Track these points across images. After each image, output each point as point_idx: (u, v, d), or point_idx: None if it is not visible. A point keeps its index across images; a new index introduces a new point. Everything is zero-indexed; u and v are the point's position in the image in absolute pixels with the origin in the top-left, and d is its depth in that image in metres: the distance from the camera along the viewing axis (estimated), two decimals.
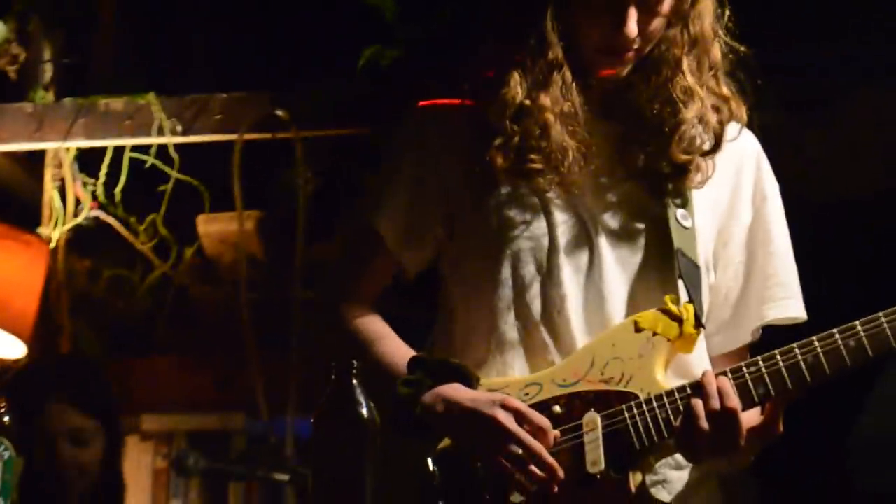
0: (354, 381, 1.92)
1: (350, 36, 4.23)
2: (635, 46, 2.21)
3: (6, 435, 2.19)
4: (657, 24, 2.22)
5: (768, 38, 2.42)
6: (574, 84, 2.23)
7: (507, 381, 2.21)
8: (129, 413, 4.22)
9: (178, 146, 4.30)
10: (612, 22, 2.18)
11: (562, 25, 2.22)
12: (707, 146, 2.27)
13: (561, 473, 2.08)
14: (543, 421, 2.11)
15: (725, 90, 2.29)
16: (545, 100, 2.21)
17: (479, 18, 2.42)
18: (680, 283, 2.24)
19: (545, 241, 2.24)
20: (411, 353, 2.26)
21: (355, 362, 1.93)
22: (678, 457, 2.18)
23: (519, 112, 2.22)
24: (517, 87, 2.22)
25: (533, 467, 2.08)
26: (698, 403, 2.08)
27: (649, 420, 2.11)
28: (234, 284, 4.40)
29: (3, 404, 2.21)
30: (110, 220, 4.47)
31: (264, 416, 4.16)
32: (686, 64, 2.24)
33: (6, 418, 2.21)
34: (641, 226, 2.28)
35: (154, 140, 4.28)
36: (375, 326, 2.34)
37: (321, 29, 4.42)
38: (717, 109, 2.27)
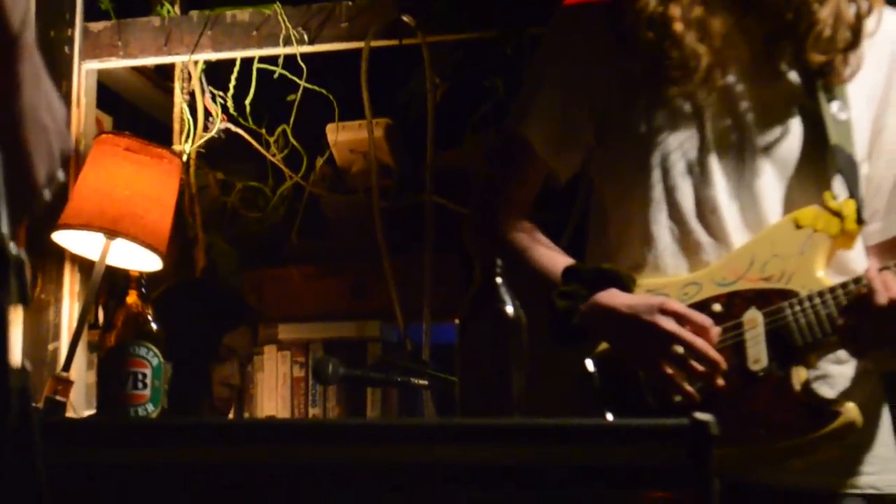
0: (499, 280, 1.90)
1: None
2: None
3: (154, 342, 2.20)
4: None
5: None
6: None
7: (666, 282, 2.19)
8: (266, 323, 4.25)
9: (305, 56, 4.27)
10: None
11: None
12: (845, 43, 2.20)
13: (724, 365, 2.07)
14: (705, 319, 2.09)
15: None
16: (674, 9, 2.18)
17: None
18: (838, 178, 2.19)
19: (696, 142, 2.22)
20: (566, 261, 2.24)
21: (499, 261, 1.91)
22: (840, 352, 2.15)
23: (650, 21, 2.19)
24: None
25: (696, 364, 2.07)
26: (863, 298, 2.04)
27: (812, 316, 2.08)
28: (365, 193, 4.38)
29: (149, 311, 2.22)
30: (240, 132, 4.47)
31: (400, 322, 4.15)
32: None
33: (154, 325, 2.22)
34: (795, 122, 2.23)
35: (281, 50, 4.24)
36: (529, 235, 2.33)
37: None
38: (854, 2, 2.20)
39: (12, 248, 1.00)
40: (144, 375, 2.18)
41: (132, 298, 2.22)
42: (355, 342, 4.24)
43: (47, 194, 1.18)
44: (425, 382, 3.20)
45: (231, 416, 3.53)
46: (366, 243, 4.24)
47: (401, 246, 4.24)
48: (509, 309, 1.87)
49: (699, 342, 2.07)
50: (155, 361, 2.19)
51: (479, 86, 4.28)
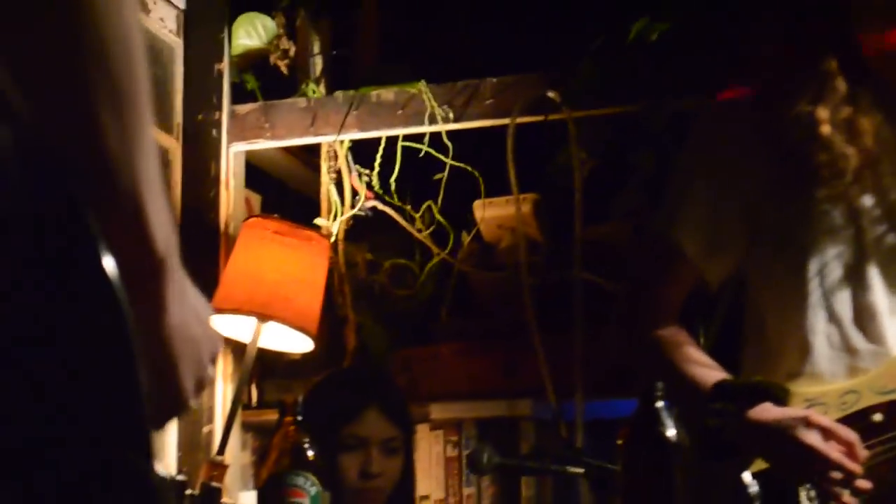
0: (660, 404, 1.87)
1: (618, 10, 4.11)
2: None
3: (312, 470, 2.19)
4: None
5: None
6: (856, 90, 2.15)
7: (824, 391, 2.13)
8: (418, 402, 4.23)
9: (450, 132, 4.27)
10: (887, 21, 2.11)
11: (839, 32, 2.14)
12: None
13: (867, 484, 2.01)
14: (851, 435, 2.03)
15: None
16: (822, 111, 2.12)
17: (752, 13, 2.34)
18: None
19: (853, 246, 2.16)
20: (716, 374, 2.19)
21: (660, 384, 1.88)
22: None
23: (797, 123, 2.14)
24: (794, 98, 2.15)
25: (838, 478, 2.02)
26: None
27: None
28: (513, 268, 4.36)
29: (306, 439, 2.21)
30: (387, 209, 4.48)
31: (552, 400, 4.10)
32: None
33: (310, 453, 2.22)
34: None
35: (426, 129, 4.25)
36: (678, 342, 2.28)
37: (589, 5, 4.32)
38: None
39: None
40: None
41: (288, 426, 2.22)
42: (507, 421, 4.20)
43: (195, 402, 1.17)
44: (581, 471, 3.15)
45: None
46: (515, 320, 4.21)
47: (550, 322, 4.19)
48: (671, 434, 1.84)
49: (835, 455, 2.02)
50: (313, 491, 2.18)
51: (627, 159, 4.23)
